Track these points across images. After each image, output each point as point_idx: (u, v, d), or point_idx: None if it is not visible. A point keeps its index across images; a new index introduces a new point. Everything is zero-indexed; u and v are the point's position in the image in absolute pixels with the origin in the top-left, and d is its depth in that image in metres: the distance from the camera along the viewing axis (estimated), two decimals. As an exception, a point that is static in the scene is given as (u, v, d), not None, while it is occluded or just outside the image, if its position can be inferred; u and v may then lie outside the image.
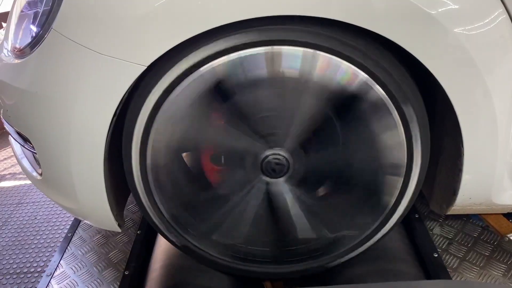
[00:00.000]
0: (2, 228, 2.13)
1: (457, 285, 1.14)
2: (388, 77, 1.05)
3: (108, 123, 1.06)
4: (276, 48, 1.02)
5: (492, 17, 1.00)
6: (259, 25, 1.00)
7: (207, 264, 1.34)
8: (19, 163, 1.45)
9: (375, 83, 1.05)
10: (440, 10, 0.97)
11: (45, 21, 1.06)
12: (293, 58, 1.03)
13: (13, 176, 2.65)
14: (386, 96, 1.06)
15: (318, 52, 1.02)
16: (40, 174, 1.29)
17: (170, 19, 0.96)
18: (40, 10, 1.09)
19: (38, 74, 1.10)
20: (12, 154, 2.88)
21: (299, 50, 1.02)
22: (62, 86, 1.06)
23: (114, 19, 0.99)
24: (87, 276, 1.48)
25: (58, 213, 2.22)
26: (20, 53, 1.15)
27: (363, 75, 1.04)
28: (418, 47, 1.00)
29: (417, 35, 0.99)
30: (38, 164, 1.30)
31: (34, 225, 2.13)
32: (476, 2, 1.00)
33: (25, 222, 2.16)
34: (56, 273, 1.51)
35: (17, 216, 2.22)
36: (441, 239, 1.49)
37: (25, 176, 2.56)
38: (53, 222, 2.15)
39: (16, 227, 2.13)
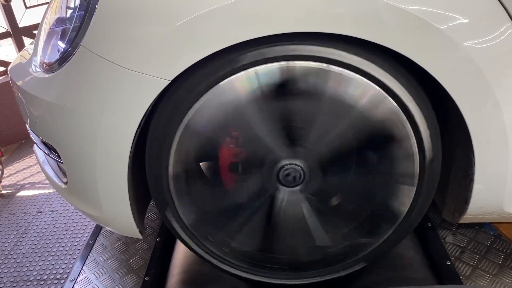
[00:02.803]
0: (23, 236, 2.16)
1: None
2: (400, 90, 1.08)
3: (133, 134, 1.10)
4: (291, 63, 1.06)
5: (500, 30, 1.02)
6: (275, 42, 1.04)
7: (225, 270, 1.36)
8: (44, 172, 1.50)
9: (388, 96, 1.08)
10: (449, 24, 1.00)
11: (74, 38, 1.11)
12: (307, 72, 1.07)
13: (32, 185, 2.70)
14: (399, 108, 1.09)
15: (331, 66, 1.06)
16: (65, 183, 1.33)
17: (191, 36, 1.01)
18: (70, 27, 1.13)
19: (66, 88, 1.14)
20: (31, 164, 2.94)
21: (313, 64, 1.06)
22: (90, 99, 1.10)
23: (140, 36, 1.03)
24: (109, 282, 1.52)
25: (76, 221, 2.25)
26: (49, 68, 1.20)
27: (375, 88, 1.08)
28: (429, 61, 1.03)
29: (427, 49, 1.02)
30: (63, 173, 1.35)
31: (53, 233, 2.16)
32: (484, 16, 1.02)
33: (44, 230, 2.19)
34: (79, 279, 1.55)
35: (37, 224, 2.25)
36: (454, 247, 1.50)
37: (44, 185, 2.64)
38: (72, 230, 2.17)
39: (35, 235, 2.16)
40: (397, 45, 1.01)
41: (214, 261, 1.34)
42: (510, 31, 1.03)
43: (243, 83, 1.08)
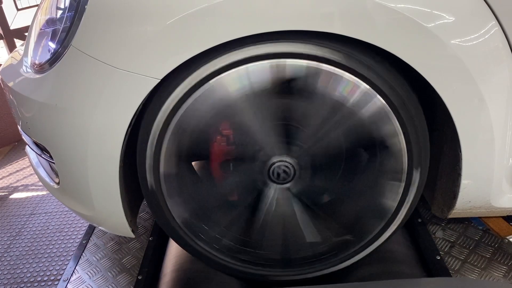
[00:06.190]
0: (16, 238, 2.14)
1: (454, 282, 1.17)
2: (389, 88, 1.09)
3: (123, 133, 1.11)
4: (281, 61, 1.08)
5: (485, 29, 1.04)
6: (265, 40, 1.05)
7: (217, 268, 1.37)
8: (36, 173, 1.50)
9: (376, 94, 1.09)
10: (436, 23, 1.01)
11: (65, 38, 1.12)
12: (297, 70, 1.08)
13: (25, 187, 2.68)
14: (387, 106, 1.10)
15: (321, 64, 1.07)
16: (57, 183, 1.34)
17: (181, 35, 1.02)
18: (60, 28, 1.14)
19: (57, 88, 1.15)
20: (24, 166, 2.93)
21: (303, 62, 1.07)
22: (80, 99, 1.11)
23: (130, 36, 1.04)
24: (102, 281, 1.52)
25: (70, 223, 2.24)
26: (40, 68, 1.20)
27: (364, 86, 1.09)
28: (417, 60, 1.04)
29: (415, 47, 1.03)
30: (55, 173, 1.35)
31: (47, 235, 2.15)
32: (470, 15, 1.04)
33: (38, 232, 2.18)
34: (72, 278, 1.55)
35: (30, 226, 2.24)
36: (443, 242, 1.51)
37: (37, 187, 2.63)
38: (65, 232, 2.16)
39: (29, 237, 2.15)
40: (387, 44, 1.03)
41: (206, 259, 1.34)
42: (495, 29, 1.05)
43: (233, 81, 1.09)
